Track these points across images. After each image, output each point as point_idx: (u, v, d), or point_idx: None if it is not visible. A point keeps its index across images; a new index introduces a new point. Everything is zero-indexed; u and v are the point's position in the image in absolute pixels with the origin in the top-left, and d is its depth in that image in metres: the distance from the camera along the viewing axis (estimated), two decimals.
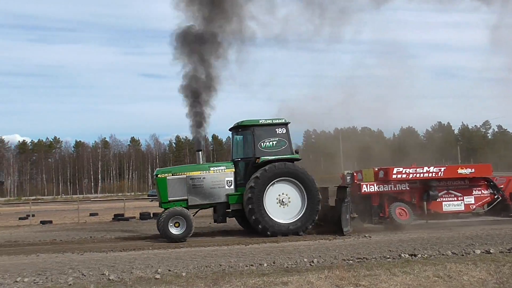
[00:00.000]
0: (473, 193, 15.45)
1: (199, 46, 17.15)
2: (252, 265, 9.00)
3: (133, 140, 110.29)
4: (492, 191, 15.48)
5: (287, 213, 14.10)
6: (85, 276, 8.42)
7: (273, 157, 14.26)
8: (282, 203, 14.15)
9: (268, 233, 13.66)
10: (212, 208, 14.75)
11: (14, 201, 64.02)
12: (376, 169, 15.60)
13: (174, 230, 13.60)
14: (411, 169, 15.04)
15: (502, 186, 15.59)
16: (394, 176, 14.88)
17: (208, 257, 10.04)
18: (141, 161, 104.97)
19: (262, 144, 14.53)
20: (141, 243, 13.49)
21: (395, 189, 15.14)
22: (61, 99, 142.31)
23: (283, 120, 14.79)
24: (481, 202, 15.57)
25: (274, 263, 9.20)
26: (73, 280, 8.13)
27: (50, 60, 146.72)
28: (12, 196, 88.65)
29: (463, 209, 15.37)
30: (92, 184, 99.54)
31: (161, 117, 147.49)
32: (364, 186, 15.08)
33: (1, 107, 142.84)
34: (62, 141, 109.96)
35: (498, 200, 15.47)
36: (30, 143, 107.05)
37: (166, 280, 7.93)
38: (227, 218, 14.67)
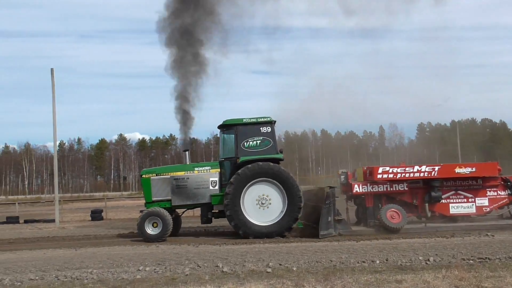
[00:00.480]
0: (487, 194, 14.07)
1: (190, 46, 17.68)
2: (363, 262, 8.80)
3: None
4: (509, 193, 14.05)
5: (266, 214, 13.64)
6: (200, 267, 8.77)
7: (252, 157, 13.87)
8: (262, 204, 13.71)
9: (240, 232, 13.38)
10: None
11: (136, 195, 68.57)
12: (365, 168, 14.65)
13: (150, 230, 13.63)
14: (399, 169, 13.96)
15: None
16: (379, 176, 13.89)
17: (318, 253, 9.98)
18: None
19: (245, 143, 14.16)
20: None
21: (391, 189, 14.09)
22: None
23: (268, 119, 14.24)
24: (496, 204, 14.13)
25: (387, 260, 8.91)
26: (190, 270, 8.50)
27: (165, 62, 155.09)
28: (134, 190, 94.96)
29: (474, 211, 14.07)
30: None
31: (264, 113, 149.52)
32: (356, 186, 14.22)
33: (124, 107, 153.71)
34: (177, 138, 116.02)
35: None
36: (148, 141, 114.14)
37: (277, 274, 8.00)
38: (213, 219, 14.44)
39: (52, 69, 21.01)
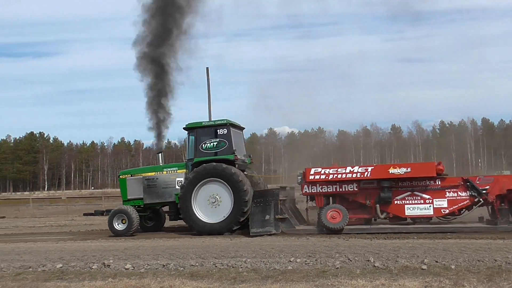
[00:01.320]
0: (446, 196, 12.90)
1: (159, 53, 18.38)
2: None
3: (393, 127, 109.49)
4: (472, 193, 12.69)
5: (217, 213, 14.10)
6: (351, 261, 8.63)
7: (203, 158, 14.50)
8: (213, 203, 14.21)
9: (194, 231, 13.98)
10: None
11: None
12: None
13: (118, 226, 14.69)
14: (332, 170, 13.32)
15: (488, 187, 12.61)
16: (311, 177, 13.40)
17: (480, 251, 9.19)
18: (402, 148, 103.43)
19: (203, 145, 14.72)
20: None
21: (341, 190, 13.42)
22: (325, 91, 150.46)
23: (225, 121, 14.73)
24: (457, 206, 12.88)
25: None
26: (340, 264, 8.41)
27: (315, 55, 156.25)
28: (284, 183, 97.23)
29: (432, 213, 12.99)
30: None
31: (423, 102, 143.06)
32: (305, 186, 13.64)
33: (272, 102, 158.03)
34: (325, 131, 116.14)
35: (480, 203, 12.73)
36: (297, 134, 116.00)
37: (434, 271, 7.55)
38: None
39: (207, 68, 22.33)
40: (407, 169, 12.95)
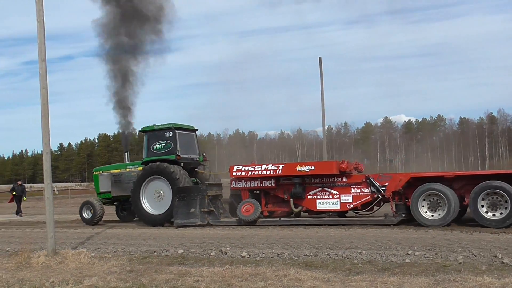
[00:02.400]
0: (352, 191, 13.85)
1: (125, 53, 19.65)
2: None
3: None
4: (372, 190, 13.46)
5: (161, 206, 15.90)
6: (475, 256, 8.08)
7: (151, 158, 16.33)
8: (158, 197, 16.02)
9: (143, 223, 16.03)
10: None
11: None
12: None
13: (86, 215, 17.28)
14: (250, 167, 14.61)
15: (386, 184, 13.38)
16: (234, 174, 14.80)
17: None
18: None
19: (153, 146, 16.47)
20: None
21: (261, 185, 14.65)
22: (445, 76, 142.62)
23: (170, 125, 16.37)
24: (360, 201, 13.81)
25: None
26: (463, 259, 7.91)
27: (432, 39, 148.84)
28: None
29: (339, 207, 13.99)
30: (479, 161, 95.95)
31: None
32: (233, 182, 15.13)
33: (388, 90, 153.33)
34: (446, 118, 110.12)
35: (378, 199, 13.53)
36: (415, 122, 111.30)
37: None
38: None
39: (320, 58, 22.22)
40: (311, 167, 14.11)
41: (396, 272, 7.27)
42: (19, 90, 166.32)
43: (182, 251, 9.95)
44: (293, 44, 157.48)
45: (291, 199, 14.36)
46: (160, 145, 16.44)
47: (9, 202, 26.99)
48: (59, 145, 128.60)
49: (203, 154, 17.66)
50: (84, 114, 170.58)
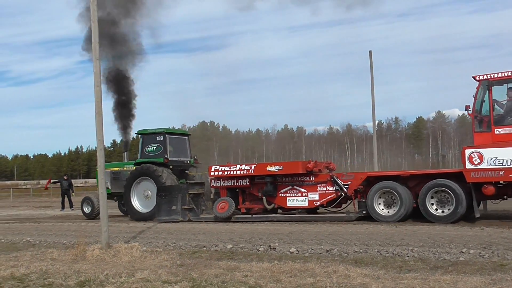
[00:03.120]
0: (318, 190, 14.52)
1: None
2: None
3: None
4: (336, 188, 14.13)
5: (148, 204, 17.20)
6: None
7: (142, 160, 17.80)
8: (146, 196, 17.33)
9: (132, 219, 17.20)
10: None
11: None
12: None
13: (86, 209, 19.11)
14: (226, 167, 15.46)
15: (349, 182, 14.02)
16: (212, 174, 15.66)
17: None
18: None
19: (146, 148, 17.84)
20: None
21: (237, 184, 15.46)
22: (502, 68, 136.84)
23: (161, 130, 17.68)
24: (326, 199, 14.47)
25: None
26: None
27: (491, 29, 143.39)
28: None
29: (307, 205, 14.72)
30: None
31: None
32: (212, 181, 15.99)
33: (441, 83, 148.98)
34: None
35: (342, 197, 14.20)
36: (469, 117, 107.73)
37: None
38: None
39: (370, 52, 21.82)
40: (280, 167, 14.75)
41: (449, 271, 7.06)
42: (75, 88, 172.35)
43: (231, 246, 10.03)
44: (343, 38, 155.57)
45: (264, 197, 15.12)
46: (152, 147, 17.82)
47: (45, 188, 31.67)
48: (112, 142, 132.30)
49: (194, 157, 18.99)
50: (136, 110, 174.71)
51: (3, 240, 12.80)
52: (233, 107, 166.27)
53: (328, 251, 9.04)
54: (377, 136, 23.51)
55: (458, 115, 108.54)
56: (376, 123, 21.26)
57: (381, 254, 8.56)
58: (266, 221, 14.48)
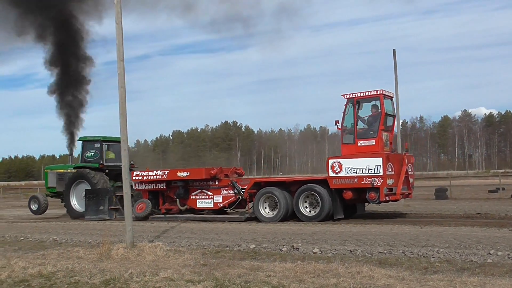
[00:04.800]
0: (221, 193, 16.18)
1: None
2: None
3: None
4: (235, 192, 15.84)
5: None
6: None
7: (78, 164, 19.96)
8: (83, 197, 18.64)
9: (71, 217, 19.30)
10: None
11: (483, 174, 64.72)
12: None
13: (33, 207, 20.80)
14: (144, 172, 17.14)
15: (246, 187, 15.64)
16: (134, 178, 17.07)
17: None
18: None
19: (86, 154, 19.74)
20: None
21: (156, 187, 17.20)
22: None
23: (99, 138, 19.57)
24: (227, 201, 16.11)
25: None
26: None
27: None
28: (479, 169, 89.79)
29: (212, 206, 16.44)
30: None
31: None
32: (136, 184, 17.53)
33: (468, 81, 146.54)
34: None
35: (240, 199, 15.82)
36: (497, 115, 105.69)
37: None
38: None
39: (394, 50, 21.53)
40: (187, 173, 16.47)
41: (476, 272, 6.93)
42: (100, 89, 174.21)
43: (254, 246, 10.03)
44: (366, 37, 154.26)
45: (178, 199, 16.89)
46: (90, 153, 19.69)
47: None
48: (135, 142, 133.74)
49: (131, 162, 19.59)
50: (159, 111, 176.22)
51: (30, 239, 13.04)
52: (256, 107, 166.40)
53: (351, 251, 8.96)
54: (401, 135, 23.23)
55: (485, 114, 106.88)
56: (400, 122, 20.96)
57: (405, 255, 8.45)
58: (171, 219, 16.40)
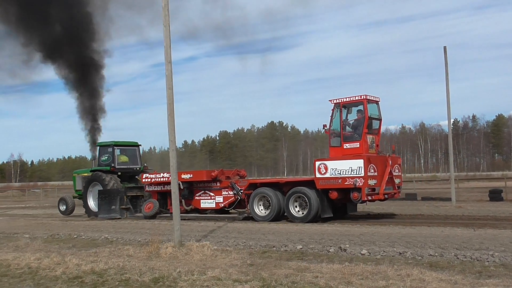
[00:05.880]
0: (222, 194, 17.20)
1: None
2: None
3: None
4: (235, 192, 16.77)
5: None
6: None
7: (94, 168, 21.43)
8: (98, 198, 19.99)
9: (89, 217, 20.63)
10: None
11: None
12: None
13: (61, 208, 22.66)
14: (152, 175, 18.73)
15: (244, 188, 16.57)
16: (143, 180, 18.94)
17: None
18: None
19: (101, 158, 21.10)
20: None
21: (163, 189, 18.33)
22: None
23: (111, 143, 21.05)
24: (228, 201, 17.10)
25: None
26: None
27: None
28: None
29: (214, 206, 17.48)
30: None
31: None
32: (147, 186, 18.90)
33: None
34: None
35: (238, 200, 16.74)
36: None
37: None
38: None
39: (444, 47, 20.92)
40: (190, 175, 17.46)
41: None
42: (148, 91, 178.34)
43: (301, 246, 9.97)
44: (415, 34, 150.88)
45: (183, 200, 17.63)
46: (104, 157, 21.07)
47: None
48: (183, 142, 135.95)
49: (144, 164, 22.14)
50: (206, 112, 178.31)
51: (83, 237, 13.46)
52: (302, 107, 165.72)
53: (401, 253, 8.77)
54: (452, 135, 22.53)
55: None
56: (452, 122, 20.36)
57: (458, 258, 8.18)
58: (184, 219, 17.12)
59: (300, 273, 7.23)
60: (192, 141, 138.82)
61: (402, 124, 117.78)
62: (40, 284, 7.45)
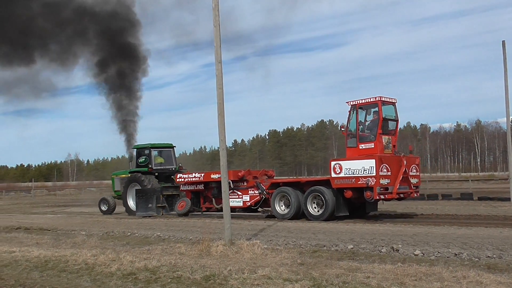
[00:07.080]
0: (249, 193, 17.87)
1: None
2: None
3: None
4: (260, 192, 17.45)
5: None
6: None
7: (132, 169, 22.86)
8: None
9: (128, 214, 21.65)
10: None
11: None
12: None
13: (103, 208, 23.50)
14: (185, 175, 19.78)
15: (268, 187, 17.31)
16: (178, 180, 20.01)
17: None
18: None
19: (139, 160, 22.39)
20: None
21: (196, 188, 19.50)
22: None
23: (148, 145, 22.40)
24: (253, 200, 17.75)
25: None
26: None
27: None
28: None
29: (241, 205, 18.02)
30: None
31: None
32: (181, 185, 20.06)
33: None
34: None
35: (263, 198, 17.41)
36: None
37: None
38: None
39: (503, 42, 20.10)
40: (218, 175, 17.09)
41: None
42: (199, 91, 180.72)
43: (351, 246, 9.85)
44: (471, 29, 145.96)
45: (213, 199, 18.73)
46: (142, 159, 22.22)
47: None
48: (233, 142, 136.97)
49: (179, 165, 23.14)
50: (256, 111, 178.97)
51: (137, 234, 13.81)
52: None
53: (456, 254, 8.50)
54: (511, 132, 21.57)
55: None
56: (511, 119, 19.52)
57: None
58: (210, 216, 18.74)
59: (351, 273, 7.13)
60: (242, 140, 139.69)
61: (457, 122, 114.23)
62: (96, 280, 7.69)
